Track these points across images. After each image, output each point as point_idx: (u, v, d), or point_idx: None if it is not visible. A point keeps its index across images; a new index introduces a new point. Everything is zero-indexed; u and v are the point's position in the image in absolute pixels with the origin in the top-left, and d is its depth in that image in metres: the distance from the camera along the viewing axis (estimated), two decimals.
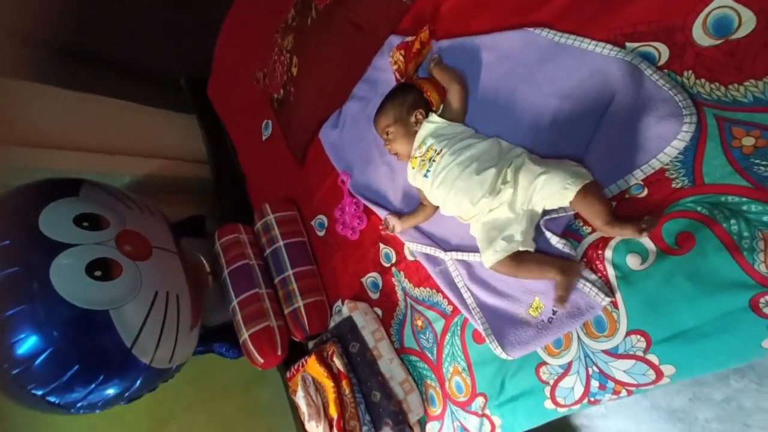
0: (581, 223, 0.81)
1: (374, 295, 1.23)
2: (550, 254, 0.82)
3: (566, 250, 0.80)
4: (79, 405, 0.91)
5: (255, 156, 1.75)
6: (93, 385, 0.89)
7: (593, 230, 0.79)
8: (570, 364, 0.81)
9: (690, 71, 0.70)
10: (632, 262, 0.73)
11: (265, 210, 1.42)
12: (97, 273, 0.91)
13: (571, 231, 0.82)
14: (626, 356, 0.74)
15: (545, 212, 0.82)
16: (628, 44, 0.78)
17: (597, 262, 0.78)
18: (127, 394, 0.98)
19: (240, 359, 1.37)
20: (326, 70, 1.25)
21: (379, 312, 1.21)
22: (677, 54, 0.72)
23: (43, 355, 0.86)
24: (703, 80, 0.69)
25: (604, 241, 0.77)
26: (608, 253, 0.76)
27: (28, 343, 0.85)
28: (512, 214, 0.82)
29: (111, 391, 0.94)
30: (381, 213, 1.17)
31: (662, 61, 0.74)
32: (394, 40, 1.17)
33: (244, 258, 1.33)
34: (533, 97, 0.90)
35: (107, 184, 1.16)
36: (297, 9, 1.31)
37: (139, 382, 0.97)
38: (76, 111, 1.61)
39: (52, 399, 0.87)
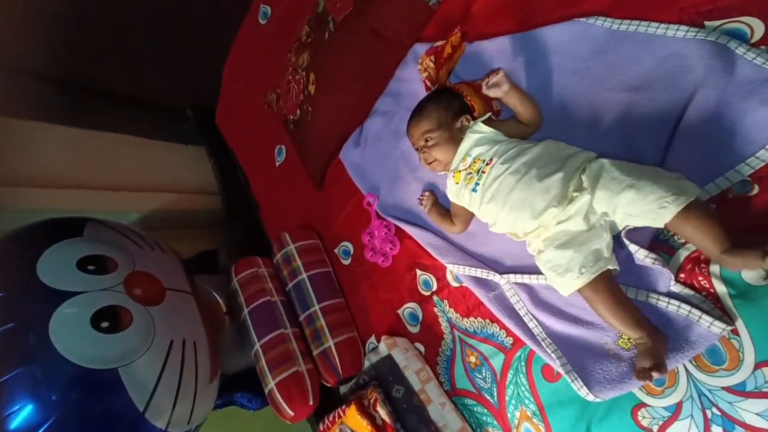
0: (671, 233, 0.68)
1: (413, 329, 1.09)
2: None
3: (658, 266, 0.67)
4: None
5: (268, 183, 1.67)
6: None
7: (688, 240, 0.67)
8: (679, 405, 0.66)
9: None
10: (750, 275, 0.60)
11: (285, 240, 1.30)
12: (104, 324, 0.78)
13: (659, 242, 0.69)
14: (759, 395, 0.59)
15: None
16: (707, 23, 0.68)
17: (700, 278, 0.65)
18: None
19: (264, 409, 1.21)
20: (346, 85, 1.17)
21: (421, 348, 1.07)
22: None
23: (42, 428, 0.72)
24: None
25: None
26: (715, 267, 0.63)
27: (24, 415, 0.72)
28: (586, 226, 0.68)
29: None
30: (416, 234, 1.06)
31: (756, 37, 0.64)
32: (419, 48, 1.10)
33: (265, 294, 1.20)
34: (591, 92, 0.80)
35: (114, 221, 1.06)
36: (311, 25, 1.25)
37: None
38: (78, 148, 1.55)
39: None
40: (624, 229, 0.69)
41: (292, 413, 1.07)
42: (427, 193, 1.02)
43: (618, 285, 0.68)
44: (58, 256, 0.83)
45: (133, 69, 1.90)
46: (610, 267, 0.65)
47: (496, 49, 0.94)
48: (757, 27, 0.63)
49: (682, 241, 0.67)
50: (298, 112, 1.30)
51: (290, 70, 1.32)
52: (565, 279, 0.67)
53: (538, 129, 0.84)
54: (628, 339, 0.71)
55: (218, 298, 1.31)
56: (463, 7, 1.00)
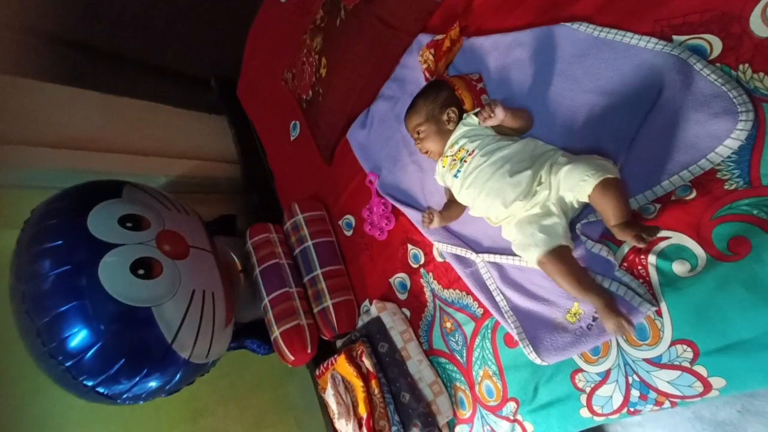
0: None
1: (402, 296, 1.23)
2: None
3: (603, 254, 0.77)
4: (125, 396, 0.96)
5: (283, 156, 1.77)
6: (137, 378, 0.94)
7: None
8: (608, 372, 0.78)
9: (746, 64, 0.66)
10: (679, 268, 0.70)
11: (294, 210, 1.44)
12: (141, 272, 0.95)
13: (609, 234, 0.79)
14: (671, 366, 0.70)
15: (579, 215, 0.80)
16: (675, 37, 0.74)
17: (639, 267, 0.74)
18: (167, 387, 1.02)
19: (270, 355, 1.40)
20: (355, 70, 1.25)
21: (408, 313, 1.21)
22: (732, 46, 0.67)
23: (93, 349, 0.91)
24: (761, 74, 0.65)
25: (647, 245, 0.74)
26: (652, 258, 0.73)
27: (79, 338, 0.90)
28: (545, 210, 0.79)
29: (153, 384, 0.98)
30: (409, 213, 1.17)
31: (714, 55, 0.69)
32: (423, 38, 1.16)
33: (274, 257, 1.36)
34: (571, 93, 0.87)
35: (146, 185, 1.21)
36: (326, 9, 1.31)
37: (179, 376, 1.01)
38: (114, 114, 1.68)
39: (101, 390, 0.93)
40: (580, 222, 0.79)
41: (292, 358, 1.25)
42: (425, 214, 1.01)
43: (574, 259, 0.78)
44: (103, 213, 0.99)
45: (162, 39, 2.00)
46: (563, 243, 0.76)
47: (492, 45, 1.00)
48: (716, 45, 0.69)
49: None
50: (311, 92, 1.39)
51: (305, 51, 1.40)
52: (528, 253, 0.79)
53: (526, 131, 0.92)
54: (574, 314, 0.82)
55: (234, 257, 1.47)
56: (466, 1, 1.06)
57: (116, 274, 0.92)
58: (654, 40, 0.75)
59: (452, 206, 1.01)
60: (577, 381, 0.82)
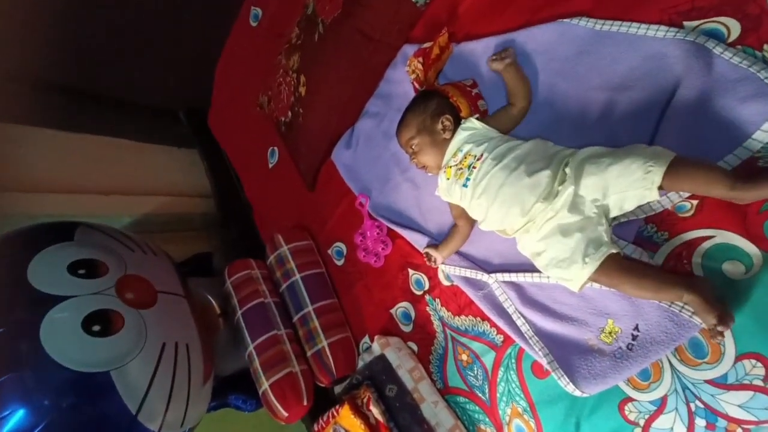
0: (654, 229, 0.70)
1: (406, 328, 1.10)
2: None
3: (644, 259, 0.68)
4: None
5: (262, 185, 1.66)
6: None
7: (671, 235, 0.68)
8: (664, 399, 0.67)
9: None
10: (732, 270, 0.62)
11: (278, 241, 1.30)
12: (96, 328, 0.78)
13: (642, 239, 0.71)
14: (740, 387, 0.60)
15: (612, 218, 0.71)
16: (686, 23, 0.69)
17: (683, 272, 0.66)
18: None
19: (259, 411, 1.22)
20: (336, 87, 1.18)
21: (414, 347, 1.08)
22: (751, 27, 0.63)
23: (36, 431, 0.72)
24: None
25: (688, 248, 0.66)
26: (697, 260, 0.65)
27: (15, 419, 0.72)
28: (581, 216, 0.68)
29: None
30: (407, 235, 1.07)
31: (733, 37, 0.65)
32: (408, 49, 1.11)
33: (258, 296, 1.21)
34: (576, 91, 0.81)
35: (105, 225, 1.06)
36: (301, 27, 1.25)
37: None
38: (68, 152, 1.54)
39: None
40: (612, 224, 0.71)
41: (286, 414, 1.07)
42: (425, 253, 0.97)
43: (632, 259, 0.67)
44: (48, 260, 0.83)
45: (123, 71, 1.88)
46: (613, 251, 0.65)
47: (483, 49, 0.95)
48: (734, 27, 0.64)
49: (665, 236, 0.69)
50: (290, 113, 1.30)
51: (281, 72, 1.32)
52: (572, 271, 0.67)
53: (527, 110, 0.86)
54: (610, 333, 0.72)
55: (212, 300, 1.31)
56: (450, 7, 1.01)
57: (64, 333, 0.76)
58: (663, 28, 0.70)
59: (457, 230, 0.92)
60: (627, 412, 0.71)
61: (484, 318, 0.92)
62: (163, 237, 1.58)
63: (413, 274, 1.08)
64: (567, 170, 0.70)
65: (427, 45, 1.00)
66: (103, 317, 0.80)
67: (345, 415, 0.97)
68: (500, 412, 0.89)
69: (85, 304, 0.80)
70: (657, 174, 0.60)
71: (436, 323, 1.03)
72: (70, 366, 0.73)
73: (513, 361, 0.87)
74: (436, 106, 0.90)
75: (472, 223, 0.91)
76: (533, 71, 0.87)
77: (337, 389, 1.19)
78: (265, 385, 1.08)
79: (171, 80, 1.91)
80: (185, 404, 0.89)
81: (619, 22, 0.76)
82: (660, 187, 0.61)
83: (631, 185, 0.63)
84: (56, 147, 1.53)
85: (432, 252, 0.95)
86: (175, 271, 1.12)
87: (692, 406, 0.64)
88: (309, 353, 1.15)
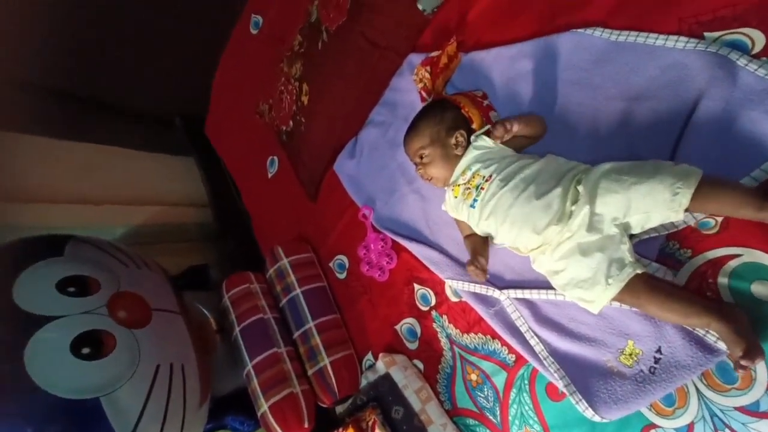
0: (677, 246, 0.67)
1: (412, 345, 1.05)
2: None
3: (668, 278, 0.65)
4: None
5: (261, 195, 1.62)
6: None
7: (695, 253, 0.65)
8: (691, 426, 0.64)
9: None
10: (761, 290, 0.59)
11: (278, 254, 1.26)
12: (85, 350, 0.73)
13: (664, 256, 0.68)
14: None
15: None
16: (707, 34, 0.67)
17: (708, 292, 0.63)
18: None
19: None
20: (340, 95, 1.15)
21: (420, 365, 1.04)
22: None
23: None
24: None
25: (713, 266, 0.63)
26: (723, 280, 0.62)
27: None
28: (600, 234, 0.65)
29: None
30: (413, 248, 1.03)
31: (757, 48, 0.63)
32: (414, 58, 1.09)
33: (257, 311, 1.16)
34: (593, 101, 0.79)
35: (97, 238, 1.01)
36: (304, 34, 1.22)
37: None
38: (59, 160, 1.49)
39: None
40: (633, 241, 0.68)
41: None
42: (470, 269, 0.83)
43: (659, 279, 0.64)
44: (35, 277, 0.78)
45: (119, 77, 1.84)
46: (639, 271, 0.62)
47: (494, 59, 0.92)
48: (758, 38, 0.63)
49: (688, 254, 0.66)
50: (291, 123, 1.27)
51: (282, 80, 1.29)
52: (594, 292, 0.64)
53: (541, 138, 0.83)
54: (630, 354, 0.69)
55: (209, 316, 1.26)
56: (459, 15, 0.99)
57: (51, 356, 0.70)
58: (683, 38, 0.68)
59: (476, 241, 0.87)
60: None
61: (495, 336, 0.88)
62: (157, 248, 1.53)
63: (419, 289, 1.04)
64: (579, 188, 0.67)
65: (435, 54, 0.98)
66: (93, 339, 0.75)
67: None
68: None
69: (74, 324, 0.74)
70: (685, 196, 0.57)
71: (444, 341, 0.99)
72: (56, 392, 0.68)
73: (526, 382, 0.83)
74: (453, 118, 0.87)
75: (485, 238, 0.88)
76: (546, 80, 0.85)
77: (339, 409, 1.14)
78: (264, 406, 1.02)
79: (167, 87, 1.87)
80: (180, 429, 0.84)
81: (636, 33, 0.74)
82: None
83: (656, 206, 0.60)
84: (44, 154, 1.47)
85: (474, 266, 0.82)
86: (171, 286, 1.07)
87: None
88: (310, 372, 1.10)
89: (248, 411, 1.12)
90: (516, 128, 0.77)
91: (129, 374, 0.76)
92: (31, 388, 0.68)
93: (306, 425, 1.03)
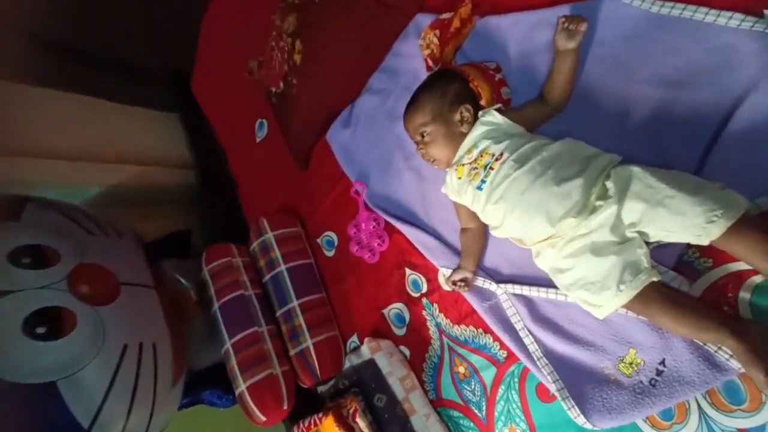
0: (697, 254, 0.61)
1: (399, 331, 1.01)
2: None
3: (683, 288, 0.60)
4: None
5: (248, 160, 1.52)
6: None
7: (716, 264, 0.59)
8: None
9: None
10: None
11: (263, 226, 1.18)
12: (40, 330, 0.66)
13: (682, 264, 0.62)
14: None
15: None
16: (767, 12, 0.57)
17: (725, 306, 0.58)
18: None
19: (235, 407, 1.13)
20: (337, 57, 1.03)
21: (407, 352, 1.00)
22: None
23: None
24: None
25: (735, 280, 0.57)
26: (744, 295, 0.56)
27: None
28: (617, 238, 0.59)
29: None
30: (407, 231, 0.96)
31: None
32: (422, 19, 0.97)
33: (238, 287, 1.10)
34: (618, 83, 0.71)
35: (61, 201, 0.92)
36: None
37: None
38: (32, 109, 1.34)
39: None
40: (651, 246, 0.61)
41: (264, 419, 0.99)
42: (453, 280, 0.82)
43: (671, 290, 0.59)
44: None
45: (102, 24, 1.68)
46: (654, 279, 0.57)
47: (511, 25, 0.82)
48: None
49: (708, 264, 0.60)
50: (282, 84, 1.15)
51: (274, 34, 1.16)
52: (602, 297, 0.59)
53: (560, 111, 0.74)
54: (630, 363, 0.65)
55: (188, 286, 1.19)
56: None
57: (0, 336, 0.63)
58: (738, 15, 0.58)
59: (469, 234, 0.81)
60: None
61: (487, 330, 0.84)
62: (136, 211, 1.44)
63: (410, 274, 0.98)
64: (609, 184, 0.59)
65: (445, 16, 0.86)
66: (50, 317, 0.67)
67: (328, 426, 0.90)
68: (497, 431, 0.82)
69: (28, 300, 0.67)
70: (720, 227, 0.51)
71: (432, 329, 0.94)
72: (5, 375, 0.62)
73: (516, 380, 0.80)
74: (457, 92, 0.77)
75: (482, 228, 0.81)
76: None
77: (321, 388, 1.11)
78: (242, 386, 0.99)
79: (152, 37, 1.70)
80: (150, 411, 0.80)
81: (682, 5, 0.64)
82: None
83: (683, 229, 0.53)
84: (16, 101, 1.34)
85: (458, 275, 0.80)
86: (144, 256, 0.99)
87: None
88: (292, 352, 1.06)
89: (227, 385, 1.09)
90: (579, 38, 0.66)
91: (91, 356, 0.70)
92: None
93: (285, 407, 1.00)
